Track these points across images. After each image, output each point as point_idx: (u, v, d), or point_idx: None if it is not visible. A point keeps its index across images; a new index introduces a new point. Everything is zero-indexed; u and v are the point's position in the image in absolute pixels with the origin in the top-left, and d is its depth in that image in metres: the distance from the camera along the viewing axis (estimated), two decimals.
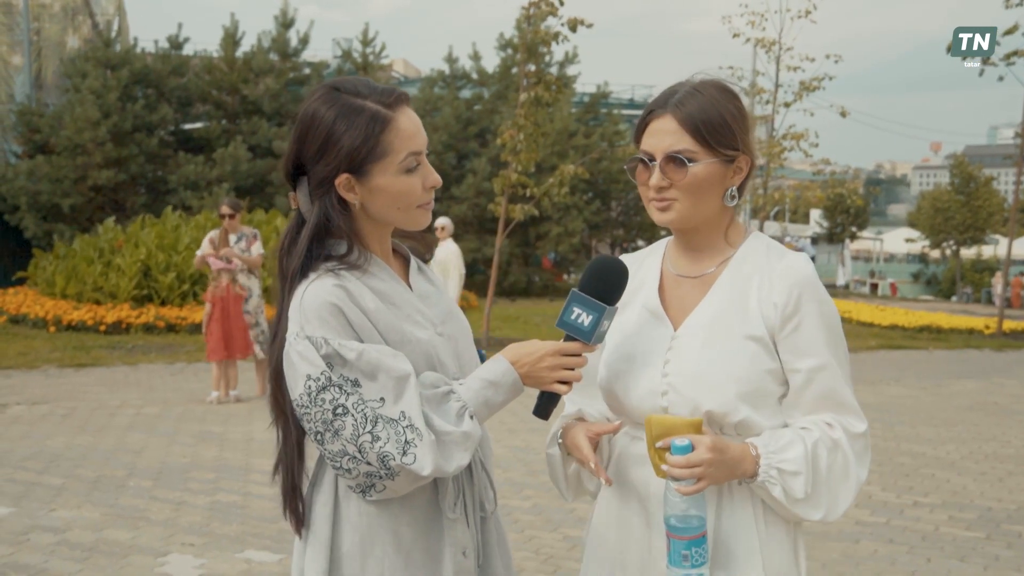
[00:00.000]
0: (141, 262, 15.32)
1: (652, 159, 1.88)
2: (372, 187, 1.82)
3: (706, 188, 1.87)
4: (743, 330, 1.85)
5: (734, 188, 1.90)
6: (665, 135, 1.86)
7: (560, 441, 2.02)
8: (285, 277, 1.84)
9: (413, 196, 1.85)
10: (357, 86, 1.83)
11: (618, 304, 1.88)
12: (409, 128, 1.83)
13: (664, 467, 1.76)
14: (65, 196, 19.79)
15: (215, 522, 5.38)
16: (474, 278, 23.35)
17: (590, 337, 1.83)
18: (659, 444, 1.77)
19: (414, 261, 2.02)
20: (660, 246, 2.08)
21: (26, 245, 19.97)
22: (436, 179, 1.88)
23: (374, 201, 1.84)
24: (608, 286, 1.85)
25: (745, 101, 1.93)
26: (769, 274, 1.87)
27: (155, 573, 4.60)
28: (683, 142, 1.85)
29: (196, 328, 13.95)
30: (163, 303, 15.22)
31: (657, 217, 1.92)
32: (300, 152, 1.83)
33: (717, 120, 1.84)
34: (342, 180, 1.81)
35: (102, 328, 14.10)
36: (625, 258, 2.07)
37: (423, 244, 2.06)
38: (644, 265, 2.06)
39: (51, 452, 6.97)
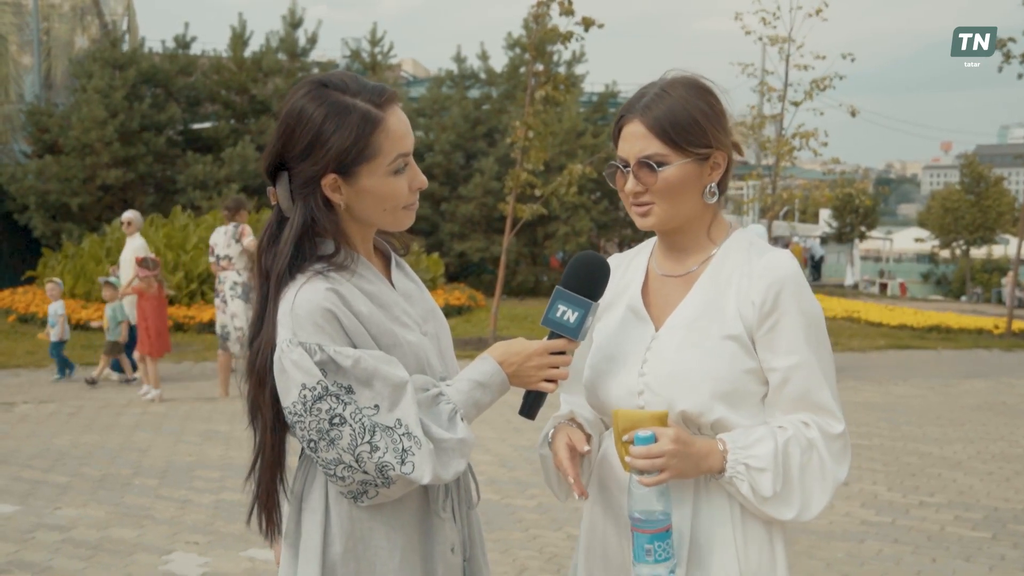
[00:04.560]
0: None
1: (626, 165, 1.87)
2: (359, 188, 1.78)
3: (682, 189, 1.85)
4: (721, 329, 1.83)
5: (713, 185, 1.88)
6: (636, 140, 1.85)
7: (550, 443, 2.01)
8: (268, 277, 1.79)
9: (399, 198, 1.82)
10: (346, 82, 1.78)
11: (602, 301, 1.87)
12: (399, 129, 1.79)
13: (627, 459, 1.75)
14: (74, 195, 19.83)
15: (219, 521, 5.39)
16: (482, 277, 23.35)
17: (577, 333, 1.83)
18: (625, 437, 1.76)
19: (394, 258, 1.99)
20: (647, 246, 2.08)
21: (35, 244, 20.02)
22: (422, 180, 1.85)
23: (360, 202, 1.80)
24: (592, 281, 1.85)
25: (720, 96, 1.90)
26: (748, 272, 1.85)
27: (159, 571, 4.61)
28: (652, 146, 1.83)
29: (204, 327, 14.01)
30: (171, 302, 15.21)
31: (639, 222, 1.91)
32: (284, 149, 1.78)
33: (686, 120, 1.83)
34: (328, 181, 1.76)
35: None
36: (612, 258, 2.05)
37: (401, 240, 2.02)
38: (631, 265, 2.06)
39: (57, 450, 6.99)
